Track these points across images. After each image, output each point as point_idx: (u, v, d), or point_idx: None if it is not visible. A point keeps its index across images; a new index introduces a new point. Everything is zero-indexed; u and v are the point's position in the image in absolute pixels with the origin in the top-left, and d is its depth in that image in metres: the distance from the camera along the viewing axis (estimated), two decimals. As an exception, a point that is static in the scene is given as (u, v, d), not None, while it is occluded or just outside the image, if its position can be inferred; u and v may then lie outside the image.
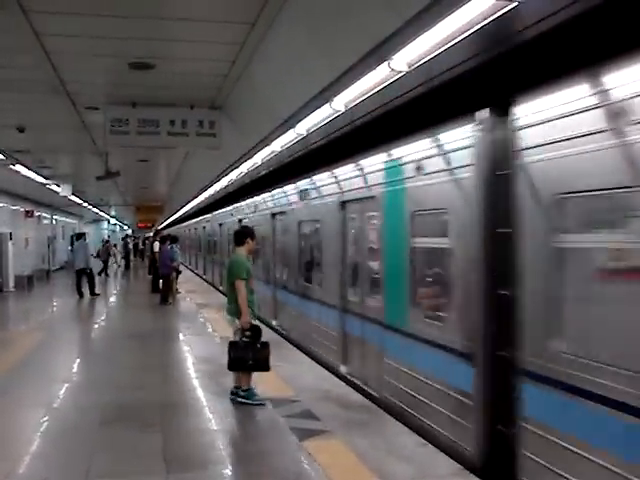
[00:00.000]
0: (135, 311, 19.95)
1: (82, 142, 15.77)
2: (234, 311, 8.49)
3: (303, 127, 10.11)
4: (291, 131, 10.51)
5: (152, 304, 20.56)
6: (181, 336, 14.62)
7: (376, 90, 7.32)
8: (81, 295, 22.87)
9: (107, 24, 7.56)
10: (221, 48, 8.57)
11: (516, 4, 4.68)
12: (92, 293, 23.31)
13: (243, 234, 8.95)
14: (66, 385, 9.84)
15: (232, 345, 8.43)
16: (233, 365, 8.42)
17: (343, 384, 9.51)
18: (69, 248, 45.16)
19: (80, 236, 25.91)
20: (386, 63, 6.10)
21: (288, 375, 9.85)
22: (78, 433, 7.52)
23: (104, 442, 7.16)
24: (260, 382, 8.67)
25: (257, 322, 8.71)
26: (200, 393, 9.34)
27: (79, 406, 8.71)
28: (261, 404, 8.39)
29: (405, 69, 6.16)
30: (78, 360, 12.09)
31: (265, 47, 8.12)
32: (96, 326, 16.56)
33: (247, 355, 8.28)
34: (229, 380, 8.77)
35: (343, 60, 7.07)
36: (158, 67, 9.39)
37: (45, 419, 8.03)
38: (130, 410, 8.34)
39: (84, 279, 23.22)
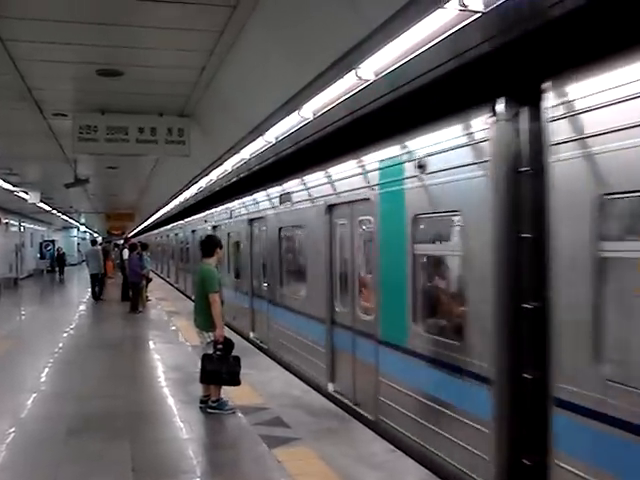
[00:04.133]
0: (104, 319, 19.80)
1: (50, 149, 15.61)
2: (205, 323, 8.43)
3: (272, 135, 10.11)
4: (260, 139, 10.50)
5: (122, 312, 20.39)
6: (151, 344, 14.54)
7: (346, 97, 7.35)
8: (96, 299, 24.32)
9: (75, 30, 7.50)
10: (190, 55, 8.54)
11: (479, 15, 4.74)
12: (99, 297, 24.54)
13: (211, 244, 8.87)
14: (33, 395, 9.73)
15: (206, 358, 8.36)
16: (207, 378, 8.34)
17: (313, 391, 9.50)
18: (38, 255, 44.70)
19: (94, 243, 28.40)
20: (354, 72, 6.14)
21: (258, 382, 9.83)
22: (45, 444, 7.44)
23: (71, 452, 7.10)
24: (230, 390, 8.64)
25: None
26: (170, 402, 9.30)
27: (46, 416, 8.62)
28: (231, 412, 8.36)
29: (372, 77, 6.20)
30: (46, 369, 11.95)
31: (234, 55, 8.12)
32: (64, 335, 16.39)
33: (221, 368, 8.22)
34: (199, 388, 8.73)
35: (311, 68, 7.08)
36: (127, 74, 9.33)
37: (11, 430, 7.93)
38: (98, 420, 8.27)
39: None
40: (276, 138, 10.25)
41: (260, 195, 13.83)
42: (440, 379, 6.37)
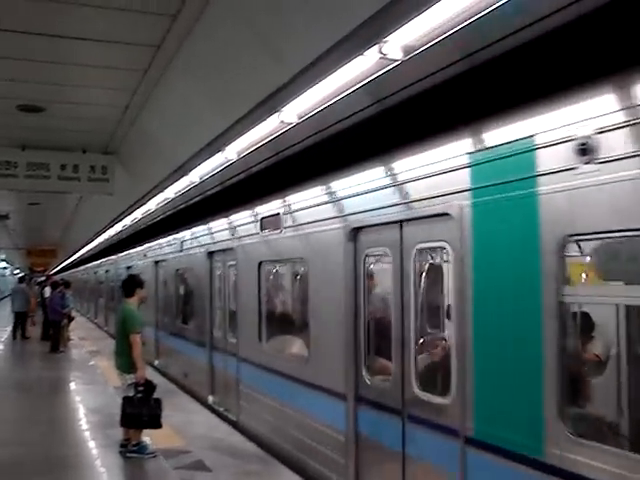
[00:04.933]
0: (23, 359, 19.19)
1: (-32, 184, 15.19)
2: (126, 365, 8.25)
3: (197, 174, 10.08)
4: (185, 178, 10.47)
5: (42, 352, 19.79)
6: (71, 386, 14.14)
7: (269, 139, 7.41)
8: (15, 337, 23.53)
9: (-5, 65, 7.40)
10: (113, 93, 8.51)
11: (399, 63, 4.87)
12: (23, 336, 23.64)
13: (132, 284, 8.74)
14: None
15: (126, 401, 8.16)
16: (127, 422, 8.14)
17: (236, 432, 9.37)
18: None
19: (22, 280, 27.72)
20: (276, 114, 6.21)
21: (180, 424, 9.64)
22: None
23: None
24: (151, 432, 8.45)
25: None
26: (90, 446, 9.03)
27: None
28: (152, 456, 8.18)
29: (295, 120, 6.29)
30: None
31: (158, 94, 8.11)
32: (-22, 376, 15.80)
33: (142, 411, 8.03)
34: (120, 431, 8.51)
35: (234, 110, 7.13)
36: (49, 110, 9.22)
37: None
38: (12, 467, 7.94)
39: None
40: (201, 177, 10.22)
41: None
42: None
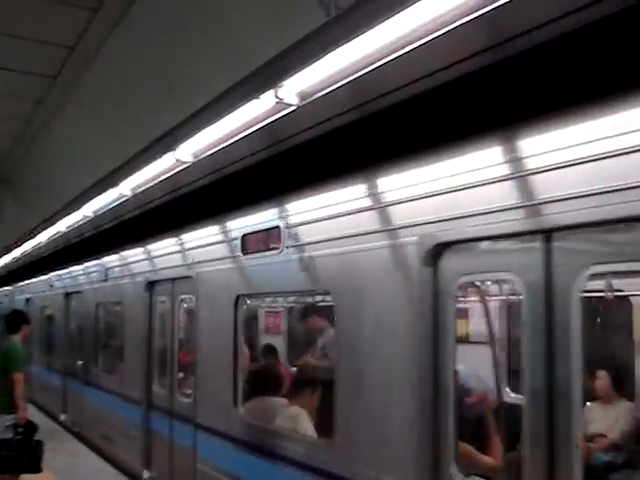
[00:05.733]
0: None
1: None
2: (5, 405, 7.83)
3: (90, 209, 9.80)
4: (78, 212, 10.18)
5: None
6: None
7: (166, 176, 7.33)
8: None
9: None
10: (6, 122, 8.27)
11: (295, 108, 4.92)
12: None
13: (16, 320, 8.37)
14: None
15: (3, 443, 7.72)
16: (4, 466, 7.69)
17: (122, 476, 9.02)
18: None
19: None
20: (171, 153, 6.16)
21: (62, 469, 9.21)
22: None
23: None
24: (30, 478, 8.03)
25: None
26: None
27: None
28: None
29: (190, 159, 6.25)
30: None
31: (53, 124, 7.94)
32: None
33: (21, 454, 7.58)
34: (-5, 477, 8.06)
35: (129, 147, 7.03)
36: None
37: None
38: None
39: None
40: (94, 212, 9.96)
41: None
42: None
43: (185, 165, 6.46)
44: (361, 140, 5.30)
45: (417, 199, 4.21)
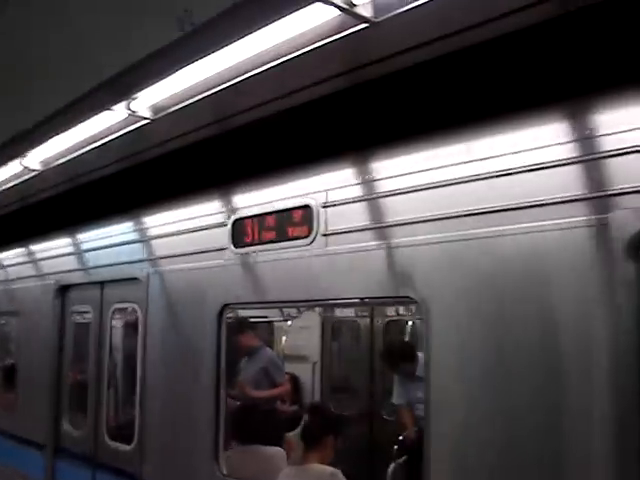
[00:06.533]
0: None
1: None
2: None
3: None
4: None
5: None
6: None
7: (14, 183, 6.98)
8: None
9: None
10: None
11: (148, 121, 4.81)
12: None
13: None
14: None
15: None
16: None
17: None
18: None
19: None
20: (18, 160, 5.88)
21: None
22: None
23: None
24: None
25: None
26: None
27: None
28: None
29: (40, 167, 5.99)
30: None
31: None
32: None
33: None
34: None
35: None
36: None
37: None
38: None
39: None
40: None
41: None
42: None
43: (34, 173, 6.19)
44: (219, 156, 5.27)
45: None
